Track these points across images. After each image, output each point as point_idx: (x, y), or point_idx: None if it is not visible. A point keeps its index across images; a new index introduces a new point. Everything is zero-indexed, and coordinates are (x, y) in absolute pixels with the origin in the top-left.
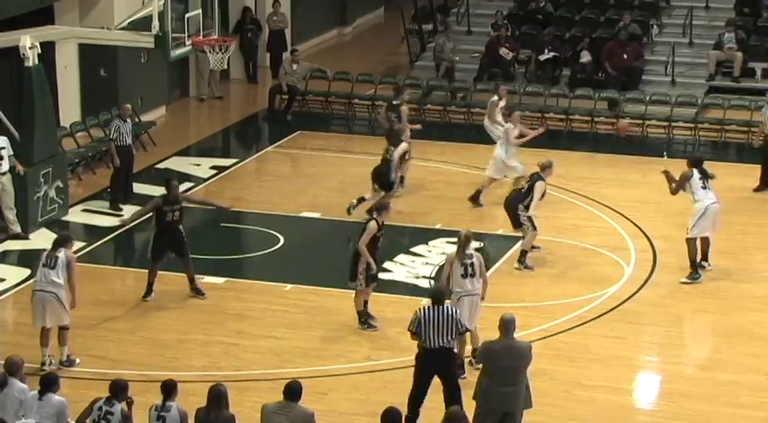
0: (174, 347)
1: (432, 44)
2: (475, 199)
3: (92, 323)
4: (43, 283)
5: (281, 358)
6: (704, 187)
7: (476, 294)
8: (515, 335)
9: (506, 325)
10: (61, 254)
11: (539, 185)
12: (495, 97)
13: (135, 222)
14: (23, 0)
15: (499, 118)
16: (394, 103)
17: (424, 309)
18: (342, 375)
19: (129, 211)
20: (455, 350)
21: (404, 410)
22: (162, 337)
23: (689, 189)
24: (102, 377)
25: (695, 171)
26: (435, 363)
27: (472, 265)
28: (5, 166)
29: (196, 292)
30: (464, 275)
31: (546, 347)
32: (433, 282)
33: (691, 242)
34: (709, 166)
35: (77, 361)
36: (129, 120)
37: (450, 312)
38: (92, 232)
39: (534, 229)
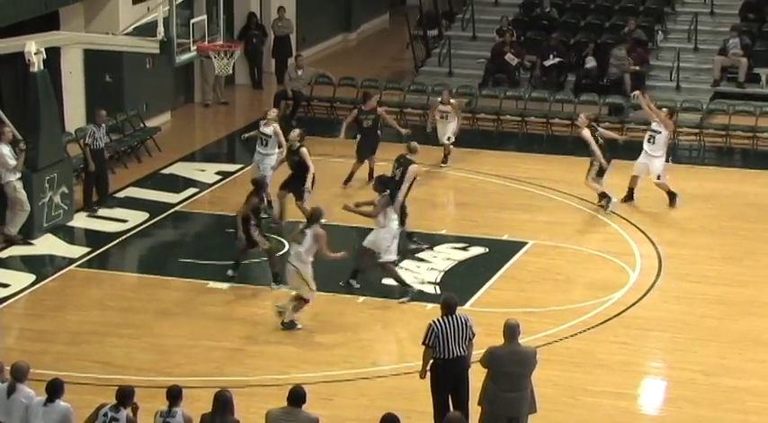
0: (179, 353)
1: (436, 49)
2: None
3: (97, 329)
4: (291, 256)
5: (286, 364)
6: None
7: None
8: (520, 340)
9: (511, 330)
10: (310, 231)
11: (413, 169)
12: (439, 99)
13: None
14: (29, 5)
15: (435, 117)
16: (363, 108)
17: (438, 321)
18: (347, 381)
19: (106, 213)
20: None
21: (405, 416)
22: (167, 342)
23: (385, 214)
24: (107, 383)
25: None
26: (453, 372)
27: None
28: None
29: None
30: None
31: (551, 353)
32: (439, 288)
33: (388, 265)
34: (712, 171)
35: (299, 326)
36: (103, 125)
37: (462, 321)
38: (96, 238)
39: (402, 223)
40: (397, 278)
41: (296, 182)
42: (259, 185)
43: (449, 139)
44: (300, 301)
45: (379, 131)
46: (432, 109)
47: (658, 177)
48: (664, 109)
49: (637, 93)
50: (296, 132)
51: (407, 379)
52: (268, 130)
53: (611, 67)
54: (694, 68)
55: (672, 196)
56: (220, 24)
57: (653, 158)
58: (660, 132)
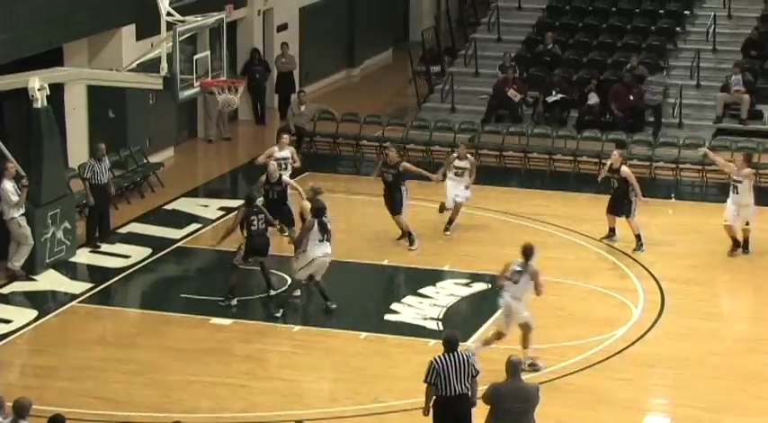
0: (181, 389)
1: (439, 85)
2: None
3: (99, 365)
4: (509, 293)
5: (289, 400)
6: (321, 240)
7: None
8: (523, 376)
9: (513, 366)
10: (527, 269)
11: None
12: (454, 154)
13: None
14: (33, 42)
15: (449, 173)
16: (387, 161)
17: (440, 358)
18: (349, 417)
19: (108, 249)
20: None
21: None
22: (169, 378)
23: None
24: (109, 419)
25: (316, 222)
26: (455, 409)
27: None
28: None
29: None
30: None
31: (554, 389)
32: (441, 324)
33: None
34: (715, 208)
35: (540, 364)
36: (105, 159)
37: (464, 358)
38: (99, 273)
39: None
40: (290, 294)
41: (281, 213)
42: (249, 201)
43: (465, 198)
44: (524, 331)
45: (402, 187)
46: (446, 164)
47: (747, 223)
48: (739, 155)
49: (704, 150)
50: (273, 166)
51: (410, 415)
52: (285, 153)
53: (650, 95)
54: (697, 105)
55: (745, 244)
56: (223, 60)
57: (741, 207)
58: (741, 182)
